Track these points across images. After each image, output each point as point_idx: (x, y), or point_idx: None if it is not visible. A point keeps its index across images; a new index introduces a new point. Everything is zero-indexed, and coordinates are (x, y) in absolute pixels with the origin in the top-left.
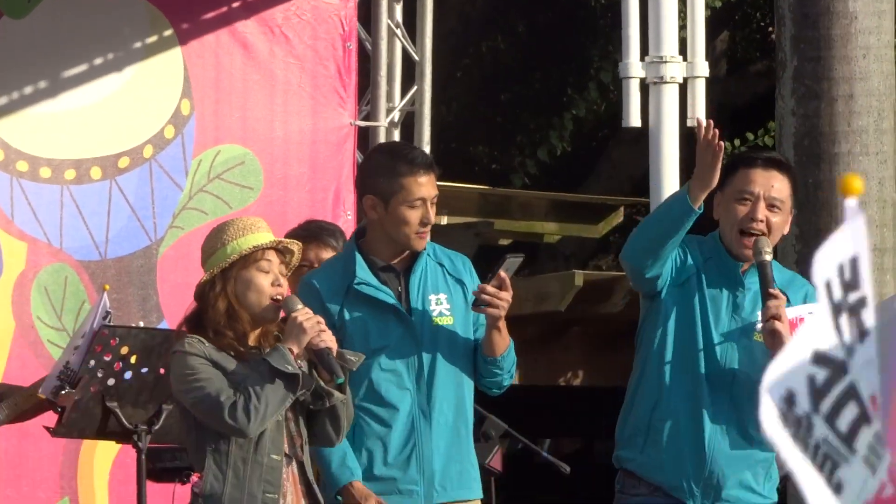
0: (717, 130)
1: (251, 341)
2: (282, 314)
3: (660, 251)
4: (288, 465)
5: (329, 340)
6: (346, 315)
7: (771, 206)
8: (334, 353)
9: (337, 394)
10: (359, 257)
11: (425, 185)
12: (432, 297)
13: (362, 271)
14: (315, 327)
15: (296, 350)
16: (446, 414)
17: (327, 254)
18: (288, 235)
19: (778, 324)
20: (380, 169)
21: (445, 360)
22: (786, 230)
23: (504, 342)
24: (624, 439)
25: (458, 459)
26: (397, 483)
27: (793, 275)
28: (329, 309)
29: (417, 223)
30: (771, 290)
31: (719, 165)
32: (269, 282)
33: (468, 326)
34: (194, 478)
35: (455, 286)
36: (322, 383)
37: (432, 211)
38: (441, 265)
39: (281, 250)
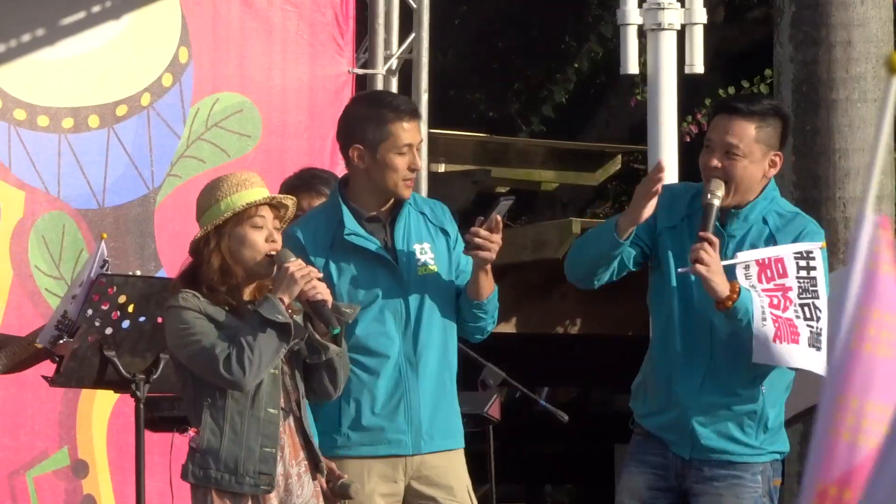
0: (662, 175)
1: (246, 296)
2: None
3: (598, 271)
4: (285, 419)
5: (324, 291)
6: (333, 266)
7: (727, 153)
8: (329, 305)
9: (333, 346)
10: (345, 208)
11: (411, 131)
12: (417, 247)
13: (350, 222)
14: (307, 277)
15: (286, 300)
16: (432, 363)
17: (321, 202)
18: (283, 184)
19: (699, 267)
20: (365, 118)
21: (431, 309)
22: (760, 174)
23: (490, 286)
24: (632, 389)
25: (444, 408)
26: (385, 433)
27: (794, 214)
28: (314, 261)
29: (405, 169)
30: (701, 234)
31: (651, 206)
32: (264, 237)
33: (451, 274)
34: (191, 432)
35: (437, 234)
36: (318, 336)
37: (418, 157)
38: (423, 214)
39: (275, 205)
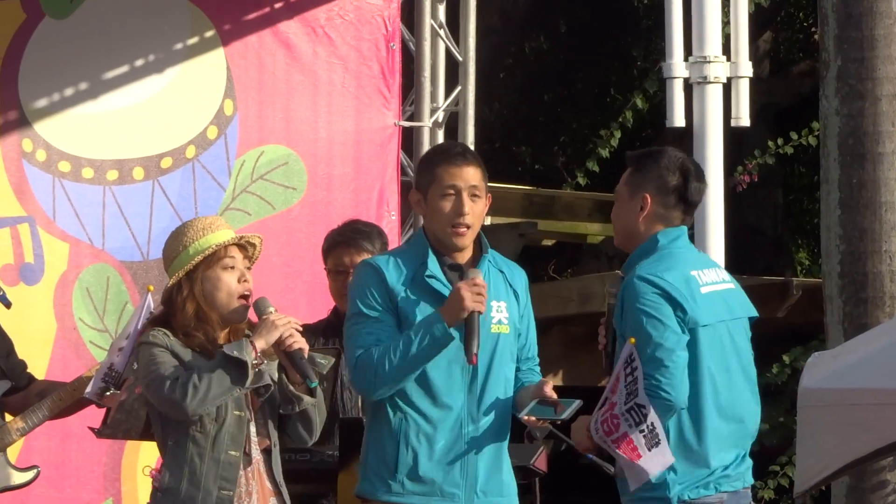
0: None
1: (221, 341)
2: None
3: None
4: (248, 465)
5: (301, 342)
6: (410, 304)
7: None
8: (306, 356)
9: (307, 398)
10: (430, 251)
11: (456, 175)
12: (494, 304)
13: (433, 264)
14: (287, 327)
15: (260, 345)
16: (492, 420)
17: (363, 258)
18: (326, 238)
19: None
20: (421, 163)
21: (498, 368)
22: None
23: None
24: None
25: (499, 466)
26: (439, 485)
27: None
28: (394, 292)
29: (451, 213)
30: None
31: None
32: (236, 278)
33: (517, 339)
34: (153, 472)
35: (511, 296)
36: (292, 388)
37: (469, 203)
38: (501, 272)
39: (243, 245)
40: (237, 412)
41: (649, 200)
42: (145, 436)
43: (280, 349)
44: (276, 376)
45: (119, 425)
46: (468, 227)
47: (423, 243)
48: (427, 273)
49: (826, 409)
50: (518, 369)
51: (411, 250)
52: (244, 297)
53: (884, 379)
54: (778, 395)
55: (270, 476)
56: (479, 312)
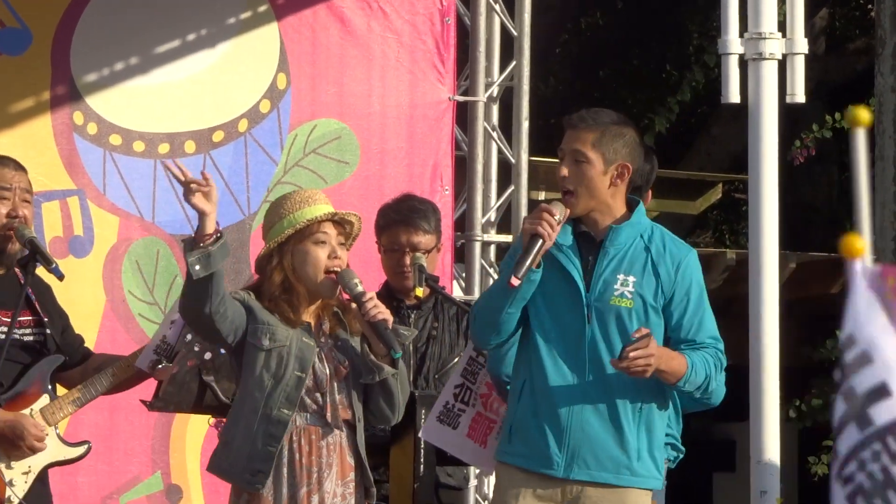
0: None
1: (307, 317)
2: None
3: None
4: (329, 434)
5: (385, 313)
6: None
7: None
8: (390, 327)
9: (387, 367)
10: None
11: (565, 138)
12: (620, 277)
13: (562, 232)
14: (372, 298)
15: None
16: (608, 393)
17: (419, 237)
18: (382, 214)
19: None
20: None
21: (614, 341)
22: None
23: (672, 375)
24: None
25: (614, 442)
26: (541, 448)
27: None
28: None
29: (559, 178)
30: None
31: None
32: (326, 254)
33: (649, 316)
34: (220, 422)
35: (650, 274)
36: (373, 357)
37: (567, 169)
38: (648, 249)
39: (339, 222)
40: (298, 373)
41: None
42: (196, 409)
43: (364, 319)
44: (358, 348)
45: (171, 398)
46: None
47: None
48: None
49: None
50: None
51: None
52: (332, 272)
53: None
54: (831, 371)
55: (353, 450)
56: (540, 237)
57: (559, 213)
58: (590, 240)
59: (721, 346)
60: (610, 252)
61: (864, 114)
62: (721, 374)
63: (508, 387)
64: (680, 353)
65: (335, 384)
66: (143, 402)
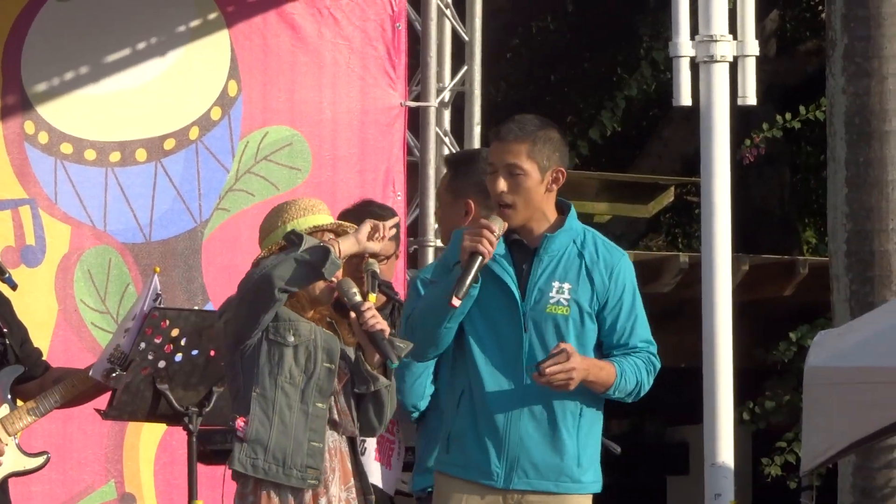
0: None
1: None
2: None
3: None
4: (336, 442)
5: (382, 323)
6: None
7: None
8: (387, 337)
9: (382, 378)
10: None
11: (493, 151)
12: (555, 284)
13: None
14: (371, 308)
15: (346, 246)
16: (545, 401)
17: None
18: (339, 219)
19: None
20: (470, 171)
21: (550, 349)
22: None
23: (600, 385)
24: None
25: (551, 449)
26: (478, 460)
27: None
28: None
29: (493, 192)
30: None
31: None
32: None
33: (584, 322)
34: (240, 422)
35: (585, 280)
36: (368, 367)
37: (504, 182)
38: (581, 255)
39: (338, 232)
40: (327, 364)
41: (472, 206)
42: (151, 417)
43: (361, 329)
44: (353, 356)
45: (125, 407)
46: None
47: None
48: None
49: (832, 387)
50: (608, 355)
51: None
52: (330, 281)
53: (890, 357)
54: (785, 373)
55: (353, 457)
56: (480, 254)
57: (498, 228)
58: (523, 248)
59: (654, 348)
60: (544, 260)
61: None
62: (651, 377)
63: (414, 415)
64: (609, 362)
65: (340, 389)
66: (98, 410)
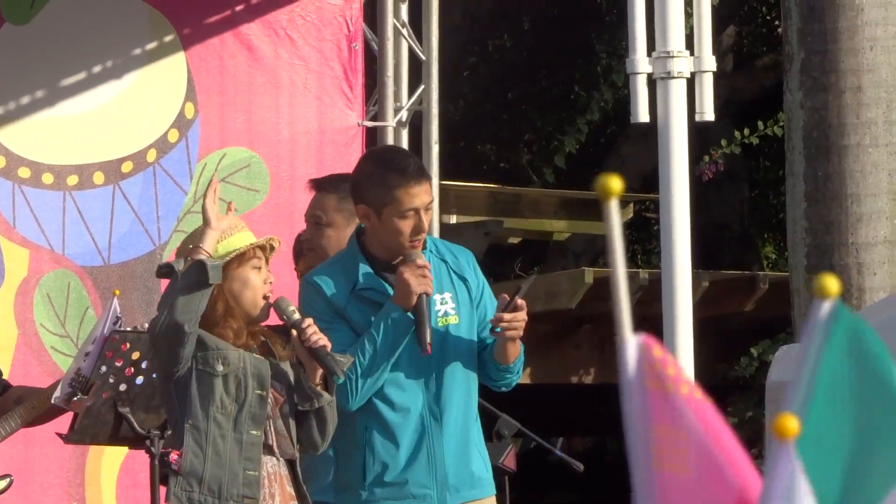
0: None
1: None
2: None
3: None
4: (276, 467)
5: (324, 339)
6: (354, 315)
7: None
8: (329, 352)
9: (325, 395)
10: (361, 258)
11: (418, 196)
12: (437, 297)
13: (365, 274)
14: (312, 324)
15: (209, 243)
16: (456, 414)
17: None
18: (297, 240)
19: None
20: (371, 178)
21: (453, 361)
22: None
23: (517, 351)
24: None
25: (469, 459)
26: (409, 487)
27: None
28: (337, 303)
29: (409, 233)
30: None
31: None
32: (262, 278)
33: (472, 324)
34: (174, 455)
35: (459, 283)
36: (312, 384)
37: (427, 217)
38: (444, 261)
39: (264, 246)
40: (259, 391)
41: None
42: (113, 440)
43: (304, 346)
44: (292, 374)
45: (86, 430)
46: (423, 239)
47: (355, 251)
48: (361, 286)
49: None
50: (486, 347)
51: (346, 259)
52: (266, 297)
53: None
54: (746, 388)
55: (293, 480)
56: (427, 294)
57: (424, 260)
58: (392, 270)
59: None
60: None
61: (832, 284)
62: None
63: None
64: None
65: (276, 413)
66: (59, 434)
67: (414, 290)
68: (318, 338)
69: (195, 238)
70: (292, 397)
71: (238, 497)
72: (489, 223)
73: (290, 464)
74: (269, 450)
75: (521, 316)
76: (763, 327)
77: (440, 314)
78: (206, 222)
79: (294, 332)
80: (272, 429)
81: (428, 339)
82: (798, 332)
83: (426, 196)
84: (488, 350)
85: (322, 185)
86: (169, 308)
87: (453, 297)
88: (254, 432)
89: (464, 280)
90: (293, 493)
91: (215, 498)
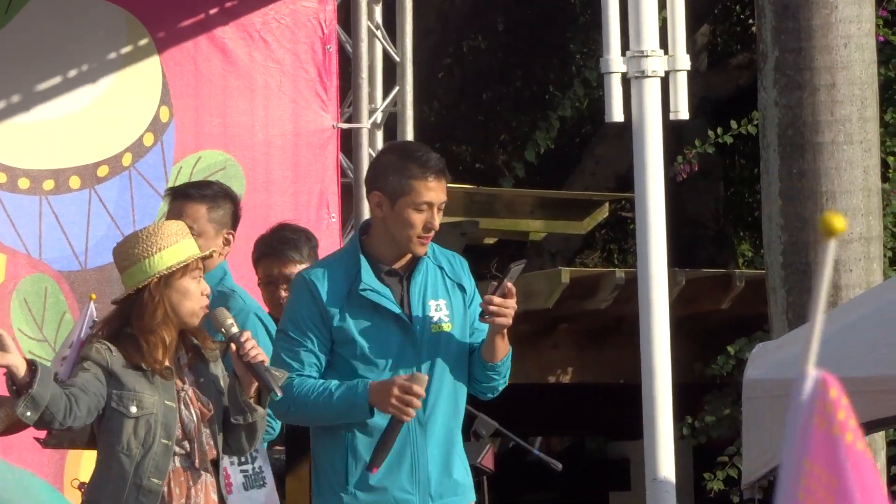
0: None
1: (170, 356)
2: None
3: None
4: (198, 480)
5: (263, 355)
6: (348, 317)
7: None
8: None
9: (259, 409)
10: (363, 260)
11: (434, 190)
12: (432, 303)
13: (367, 275)
14: (255, 346)
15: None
16: (442, 422)
17: (290, 268)
18: (255, 248)
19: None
20: (391, 167)
21: (443, 368)
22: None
23: (505, 348)
24: None
25: (452, 466)
26: (391, 492)
27: None
28: (329, 311)
29: (421, 227)
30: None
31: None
32: (201, 290)
33: (465, 332)
34: (81, 484)
35: (454, 290)
36: (247, 398)
37: (438, 217)
38: (441, 268)
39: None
40: (165, 441)
41: (232, 236)
42: (92, 444)
43: (243, 360)
44: (224, 384)
45: (64, 435)
46: (430, 238)
47: (356, 251)
48: (362, 287)
49: (771, 399)
50: (474, 351)
51: (346, 258)
52: (204, 309)
53: (827, 368)
54: (723, 386)
55: (217, 488)
56: (402, 423)
57: (422, 388)
58: (394, 275)
59: None
60: (418, 282)
61: (838, 223)
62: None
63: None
64: None
65: (202, 428)
66: (37, 439)
67: (388, 410)
68: (257, 352)
69: (132, 255)
70: (220, 406)
71: None
72: (465, 224)
73: (214, 468)
74: (193, 466)
75: (511, 303)
76: (740, 325)
77: (434, 320)
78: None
79: (233, 345)
80: (195, 447)
81: (376, 463)
82: (774, 329)
83: (442, 194)
84: (476, 352)
85: (188, 194)
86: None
87: (447, 305)
88: (155, 480)
89: (459, 287)
90: (216, 501)
91: None
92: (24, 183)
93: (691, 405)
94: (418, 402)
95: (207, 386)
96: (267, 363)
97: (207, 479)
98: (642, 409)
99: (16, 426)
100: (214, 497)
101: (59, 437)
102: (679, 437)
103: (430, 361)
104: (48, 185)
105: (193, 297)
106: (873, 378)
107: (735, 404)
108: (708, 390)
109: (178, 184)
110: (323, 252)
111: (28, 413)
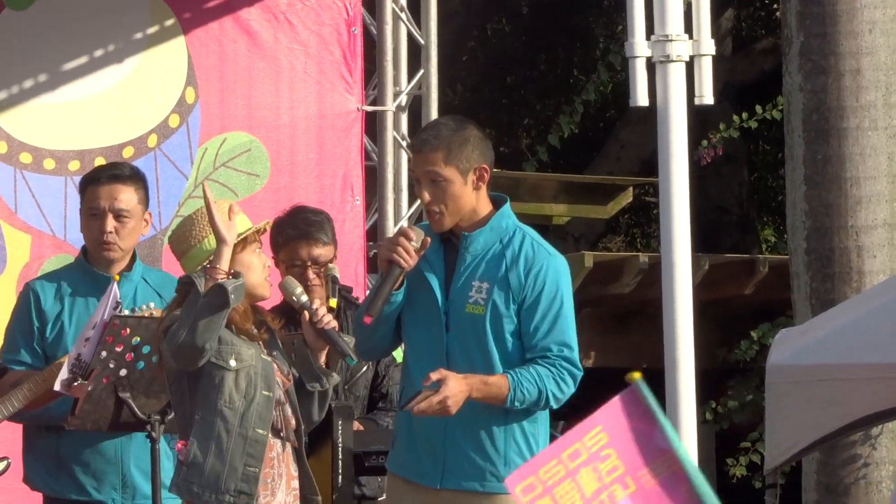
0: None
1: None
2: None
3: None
4: (283, 448)
5: (334, 321)
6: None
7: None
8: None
9: (335, 375)
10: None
11: (414, 162)
12: (475, 284)
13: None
14: (323, 306)
15: (223, 261)
16: (468, 405)
17: (319, 250)
18: (278, 230)
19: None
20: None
21: (472, 348)
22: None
23: (495, 398)
24: None
25: (476, 449)
26: (414, 466)
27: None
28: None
29: (422, 202)
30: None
31: None
32: (264, 263)
33: (503, 321)
34: (179, 444)
35: (503, 279)
36: (321, 364)
37: (427, 192)
38: (504, 255)
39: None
40: (266, 392)
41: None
42: (115, 426)
43: (316, 327)
44: (294, 357)
45: (87, 416)
46: (431, 211)
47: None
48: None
49: (794, 385)
50: (528, 357)
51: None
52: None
53: (851, 354)
54: (747, 372)
55: (299, 459)
56: (395, 264)
57: (416, 238)
58: (452, 247)
59: (569, 353)
60: (467, 259)
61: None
62: (565, 384)
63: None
64: (502, 375)
65: (282, 397)
66: (62, 422)
67: (380, 254)
68: (329, 319)
69: (190, 237)
70: (299, 379)
71: (235, 492)
72: None
73: (296, 448)
74: (276, 433)
75: (426, 406)
76: (763, 310)
77: (471, 301)
78: (220, 240)
79: (305, 313)
80: (281, 414)
81: (370, 311)
82: (798, 314)
83: (422, 164)
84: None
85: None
86: (190, 328)
87: (490, 290)
88: (260, 431)
89: (507, 280)
90: (294, 474)
91: (213, 492)
92: (49, 163)
93: (714, 390)
94: (405, 243)
95: (280, 359)
96: (337, 329)
97: (290, 449)
98: (665, 394)
99: (40, 399)
100: (293, 468)
101: (82, 419)
102: (702, 422)
103: (459, 340)
104: (73, 165)
105: (256, 270)
106: None
107: (758, 390)
108: (731, 376)
109: (202, 165)
110: (344, 236)
111: (233, 297)
